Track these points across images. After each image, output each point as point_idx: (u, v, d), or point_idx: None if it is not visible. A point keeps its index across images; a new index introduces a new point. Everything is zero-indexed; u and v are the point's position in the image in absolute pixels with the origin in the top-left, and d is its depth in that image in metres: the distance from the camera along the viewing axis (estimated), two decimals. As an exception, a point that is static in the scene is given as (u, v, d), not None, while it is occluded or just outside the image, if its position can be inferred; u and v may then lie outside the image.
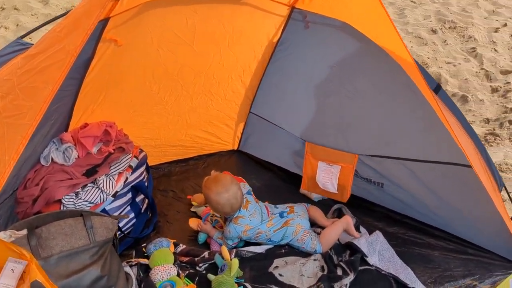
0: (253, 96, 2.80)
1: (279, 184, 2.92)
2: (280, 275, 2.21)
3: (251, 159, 3.11)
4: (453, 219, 2.28)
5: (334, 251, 2.37)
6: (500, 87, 4.44)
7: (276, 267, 2.27)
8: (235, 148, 3.10)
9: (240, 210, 2.27)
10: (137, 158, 2.36)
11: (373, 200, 2.67)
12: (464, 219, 2.22)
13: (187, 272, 2.17)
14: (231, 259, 2.20)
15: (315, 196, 2.76)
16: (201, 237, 2.41)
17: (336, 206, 2.64)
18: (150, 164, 2.68)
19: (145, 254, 2.22)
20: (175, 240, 2.34)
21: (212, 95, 2.72)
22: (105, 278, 1.87)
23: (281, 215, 2.40)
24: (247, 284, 2.11)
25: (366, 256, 2.29)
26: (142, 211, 2.47)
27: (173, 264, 2.15)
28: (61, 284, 1.71)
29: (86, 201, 2.09)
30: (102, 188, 2.14)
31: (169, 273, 2.08)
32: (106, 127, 2.17)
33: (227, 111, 2.86)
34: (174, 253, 2.25)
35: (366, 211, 2.67)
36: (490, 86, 4.49)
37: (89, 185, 2.14)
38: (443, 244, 2.35)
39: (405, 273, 2.22)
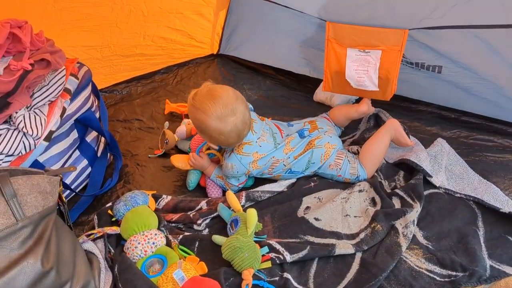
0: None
1: (283, 93, 2.22)
2: (317, 219, 1.57)
3: (240, 64, 2.37)
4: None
5: (382, 175, 1.71)
6: None
7: (308, 208, 1.62)
8: (215, 51, 2.31)
9: None
10: (75, 77, 1.57)
11: (420, 97, 2.05)
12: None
13: (181, 236, 1.50)
14: (244, 209, 1.52)
15: (338, 102, 2.05)
16: (192, 180, 1.72)
17: (372, 111, 1.95)
18: (99, 86, 1.90)
19: (113, 219, 1.54)
20: (154, 192, 1.65)
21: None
22: (52, 272, 1.23)
23: (300, 134, 1.71)
24: (272, 242, 1.45)
25: (430, 176, 1.68)
26: (99, 154, 1.74)
27: (158, 229, 1.47)
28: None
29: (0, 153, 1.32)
30: (25, 130, 1.36)
31: (154, 243, 1.41)
32: (12, 28, 1.35)
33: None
34: (157, 211, 1.56)
35: (411, 114, 2.02)
36: None
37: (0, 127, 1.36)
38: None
39: (489, 193, 1.62)
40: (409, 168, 1.73)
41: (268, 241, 1.48)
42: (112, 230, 1.47)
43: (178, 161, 1.72)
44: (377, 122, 1.97)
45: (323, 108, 2.10)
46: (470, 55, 1.75)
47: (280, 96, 2.20)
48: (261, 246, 1.44)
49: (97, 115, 1.75)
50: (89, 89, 1.67)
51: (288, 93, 2.22)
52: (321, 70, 2.11)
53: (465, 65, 1.77)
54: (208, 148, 1.73)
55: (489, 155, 1.80)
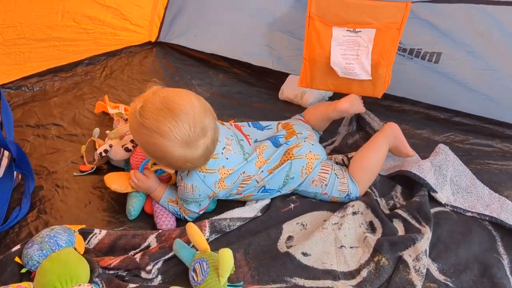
0: None
1: (241, 89, 1.90)
2: (305, 254, 1.24)
3: (185, 54, 1.96)
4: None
5: (377, 191, 1.41)
6: None
7: (290, 238, 1.28)
8: (154, 39, 1.89)
9: None
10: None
11: (405, 94, 1.80)
12: None
13: (125, 291, 1.08)
14: (211, 246, 1.15)
15: (311, 100, 1.72)
16: (135, 206, 1.33)
17: (352, 112, 1.64)
18: (1, 81, 1.45)
19: (24, 270, 1.11)
20: (82, 226, 1.22)
21: None
22: None
23: (274, 142, 1.37)
24: (253, 291, 1.09)
25: (435, 191, 1.41)
26: (0, 174, 1.28)
27: (91, 281, 1.08)
28: None
29: None
30: None
31: (85, 305, 0.98)
32: None
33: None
34: (87, 254, 1.15)
35: (395, 114, 1.78)
36: None
37: None
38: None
39: (506, 210, 1.42)
40: (406, 182, 1.46)
41: (246, 289, 1.11)
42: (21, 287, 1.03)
43: (114, 182, 1.30)
44: (360, 125, 1.67)
45: (292, 108, 1.78)
46: (477, 36, 1.52)
47: (238, 93, 1.85)
48: (239, 298, 1.07)
49: (-3, 119, 1.28)
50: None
51: (246, 89, 1.89)
52: (287, 62, 1.81)
53: (469, 48, 1.55)
54: (155, 163, 1.32)
55: (492, 162, 1.60)
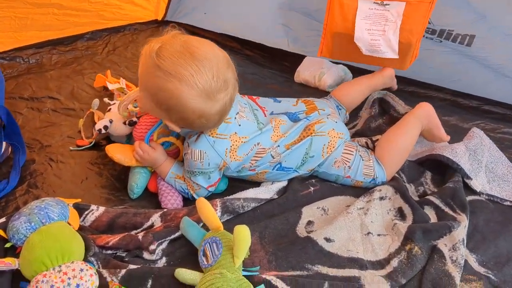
0: None
1: (255, 70, 1.75)
2: (328, 239, 1.09)
3: (195, 34, 1.79)
4: None
5: (406, 177, 1.28)
6: None
7: (310, 223, 1.13)
8: (160, 17, 1.77)
9: None
10: None
11: (432, 79, 1.66)
12: None
13: (124, 271, 0.97)
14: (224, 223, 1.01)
15: (330, 82, 1.60)
16: (138, 182, 1.18)
17: (376, 94, 1.51)
18: None
19: (8, 245, 0.98)
20: (78, 200, 1.07)
21: None
22: None
23: (292, 117, 1.23)
24: (271, 277, 0.96)
25: (470, 178, 1.28)
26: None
27: (85, 260, 0.93)
28: None
29: None
30: None
31: (78, 285, 0.84)
32: None
33: None
34: (82, 230, 1.01)
35: (420, 101, 1.59)
36: None
37: None
38: None
39: None
40: (436, 168, 1.32)
41: (263, 275, 0.97)
42: (4, 263, 0.90)
43: (118, 151, 1.15)
44: (383, 108, 1.53)
45: (309, 90, 1.65)
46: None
47: (251, 73, 1.72)
48: (255, 286, 0.93)
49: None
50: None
51: (260, 70, 1.75)
52: (303, 41, 1.67)
53: (508, 31, 1.41)
54: (162, 135, 1.19)
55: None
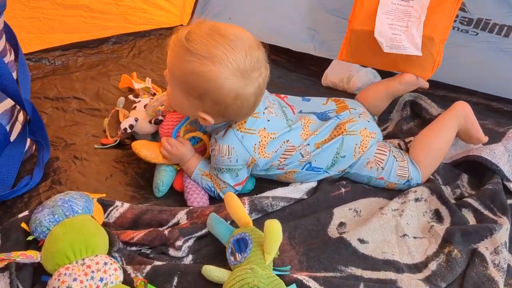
0: None
1: (281, 74, 1.72)
2: (361, 241, 1.03)
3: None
4: None
5: (441, 179, 1.21)
6: None
7: (342, 224, 1.07)
8: (186, 22, 1.78)
9: None
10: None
11: (463, 82, 1.59)
12: None
13: (149, 267, 0.92)
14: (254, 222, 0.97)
15: (359, 85, 1.56)
16: (164, 180, 1.14)
17: (407, 97, 1.46)
18: (25, 51, 1.30)
19: (30, 238, 0.94)
20: (103, 195, 1.03)
21: None
22: None
23: (321, 116, 1.19)
24: (303, 277, 0.91)
25: (509, 180, 1.20)
26: (12, 138, 1.13)
27: (109, 254, 0.89)
28: None
29: None
30: None
31: (101, 279, 0.82)
32: None
33: None
34: (107, 226, 0.97)
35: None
36: None
37: None
38: None
39: None
40: (473, 170, 1.26)
41: (295, 275, 0.92)
42: (26, 256, 0.86)
43: (144, 147, 1.13)
44: (414, 111, 1.48)
45: (337, 94, 1.61)
46: None
47: (277, 77, 1.69)
48: (286, 285, 0.88)
49: (14, 75, 1.13)
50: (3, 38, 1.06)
51: (286, 74, 1.73)
52: (331, 45, 1.64)
53: None
54: (189, 131, 1.16)
55: None
